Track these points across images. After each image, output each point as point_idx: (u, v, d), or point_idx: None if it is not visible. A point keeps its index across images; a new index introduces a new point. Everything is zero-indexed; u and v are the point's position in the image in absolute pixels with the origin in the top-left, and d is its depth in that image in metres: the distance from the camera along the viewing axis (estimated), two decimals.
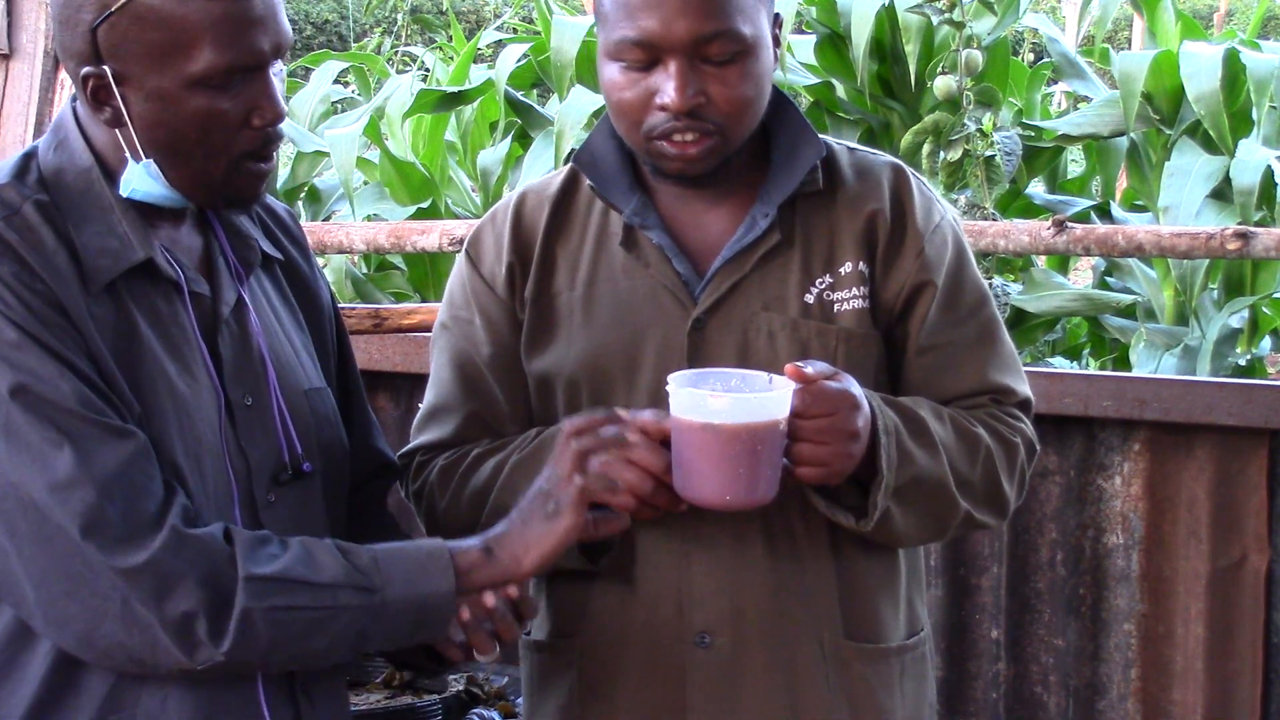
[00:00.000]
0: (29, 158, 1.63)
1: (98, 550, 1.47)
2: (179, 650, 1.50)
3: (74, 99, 1.66)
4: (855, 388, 1.66)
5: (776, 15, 1.78)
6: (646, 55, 1.69)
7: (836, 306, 1.78)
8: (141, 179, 1.59)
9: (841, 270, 1.79)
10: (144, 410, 1.55)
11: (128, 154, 1.59)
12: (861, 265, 1.79)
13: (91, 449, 1.48)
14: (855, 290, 1.78)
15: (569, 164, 1.86)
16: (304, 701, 1.67)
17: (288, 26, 1.61)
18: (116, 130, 1.59)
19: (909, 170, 1.86)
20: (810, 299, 1.78)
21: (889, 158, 1.87)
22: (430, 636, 1.62)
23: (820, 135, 1.81)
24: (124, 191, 1.60)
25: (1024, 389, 1.85)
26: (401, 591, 1.56)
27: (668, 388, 1.62)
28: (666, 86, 1.69)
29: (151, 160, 1.58)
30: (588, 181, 1.83)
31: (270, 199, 1.84)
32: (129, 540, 1.48)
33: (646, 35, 1.68)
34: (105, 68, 1.55)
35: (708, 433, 1.58)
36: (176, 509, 1.51)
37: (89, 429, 1.49)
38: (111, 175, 1.61)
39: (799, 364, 1.62)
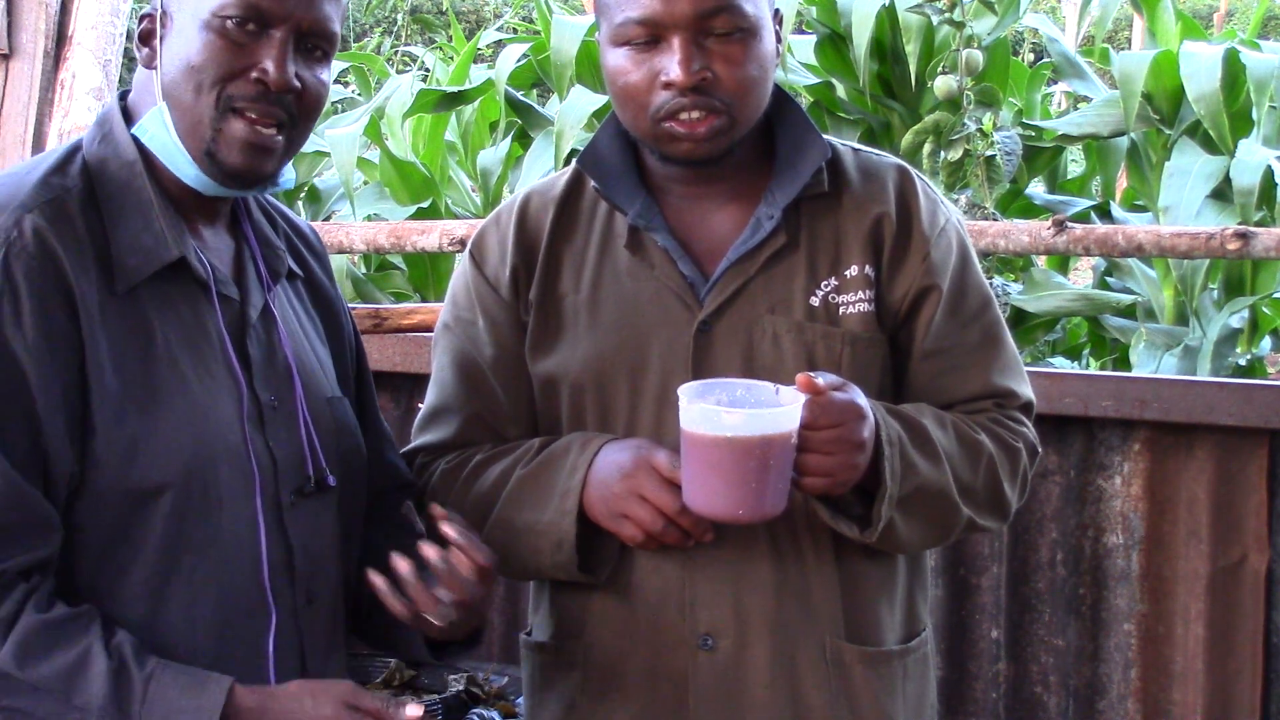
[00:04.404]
0: (74, 150, 1.65)
1: None
2: None
3: (120, 95, 1.70)
4: (861, 398, 1.66)
5: (777, 11, 1.78)
6: (651, 34, 1.69)
7: (842, 310, 1.78)
8: (153, 121, 1.62)
9: (847, 273, 1.78)
10: (150, 409, 1.56)
11: (155, 99, 1.63)
12: (867, 268, 1.78)
13: None
14: (861, 293, 1.78)
15: (573, 165, 1.86)
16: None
17: (327, 15, 1.62)
18: (150, 76, 1.63)
19: (914, 172, 1.85)
20: (816, 302, 1.78)
21: (894, 159, 1.86)
22: None
23: (824, 136, 1.81)
24: (137, 132, 1.63)
25: (1026, 392, 1.85)
26: None
27: (679, 402, 1.61)
28: (671, 64, 1.69)
29: (164, 104, 1.61)
30: (592, 183, 1.83)
31: (295, 216, 1.87)
32: None
33: (650, 12, 1.68)
34: (158, 6, 1.63)
35: (721, 447, 1.58)
36: None
37: None
38: (155, 171, 1.63)
39: (810, 375, 1.61)
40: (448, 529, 1.62)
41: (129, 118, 1.66)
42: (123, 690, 1.50)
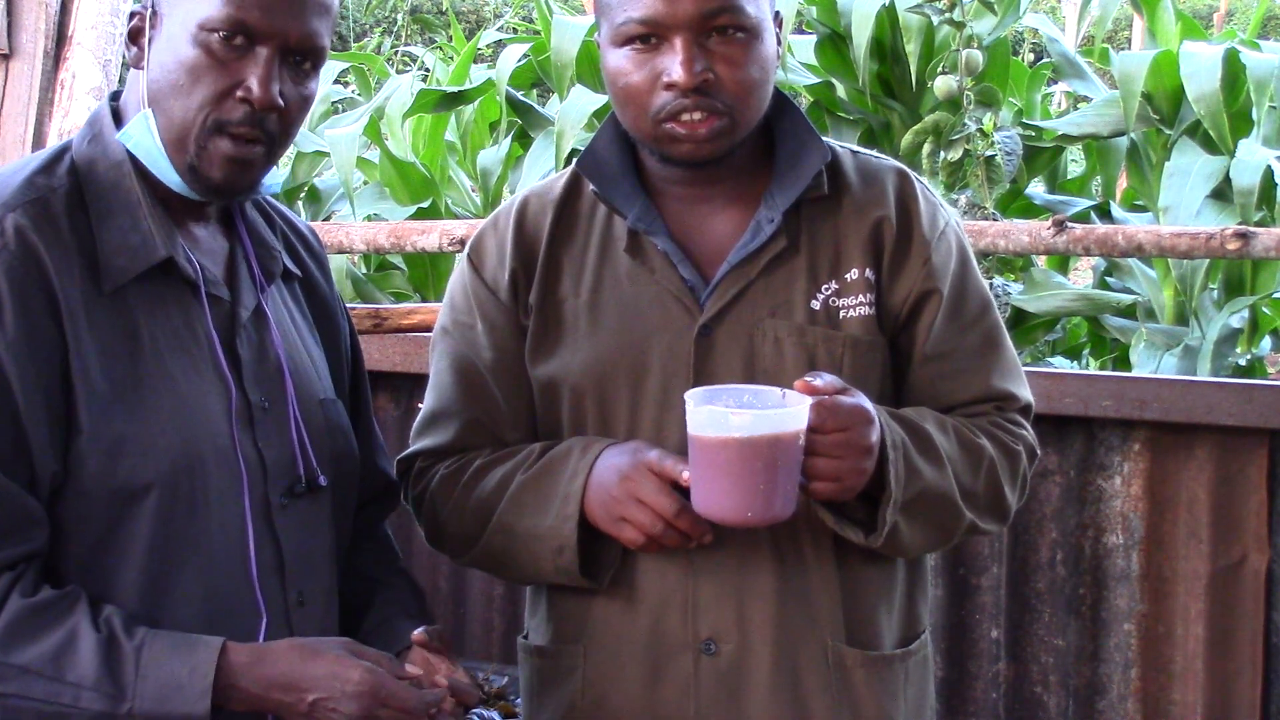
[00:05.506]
0: (63, 150, 1.65)
1: None
2: None
3: (111, 96, 1.69)
4: (867, 402, 1.66)
5: (777, 13, 1.78)
6: (652, 34, 1.69)
7: (843, 313, 1.77)
8: (138, 127, 1.61)
9: (848, 277, 1.78)
10: (136, 408, 1.56)
11: (140, 103, 1.62)
12: (868, 272, 1.78)
13: None
14: (861, 297, 1.78)
15: (571, 168, 1.86)
16: None
17: (315, 31, 1.61)
18: (138, 76, 1.62)
19: (913, 175, 1.85)
20: (816, 305, 1.77)
21: (893, 162, 1.86)
22: None
23: (824, 138, 1.81)
24: (122, 138, 1.62)
25: (1026, 394, 1.86)
26: (151, 707, 1.50)
27: (686, 406, 1.61)
28: (673, 65, 1.68)
29: (150, 111, 1.60)
30: (591, 187, 1.82)
31: (295, 217, 1.86)
32: None
33: (652, 13, 1.68)
34: (148, 5, 1.61)
35: (729, 449, 1.58)
36: None
37: None
38: (144, 172, 1.63)
39: (807, 378, 1.61)
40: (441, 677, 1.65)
41: (119, 118, 1.66)
42: (114, 662, 1.50)
